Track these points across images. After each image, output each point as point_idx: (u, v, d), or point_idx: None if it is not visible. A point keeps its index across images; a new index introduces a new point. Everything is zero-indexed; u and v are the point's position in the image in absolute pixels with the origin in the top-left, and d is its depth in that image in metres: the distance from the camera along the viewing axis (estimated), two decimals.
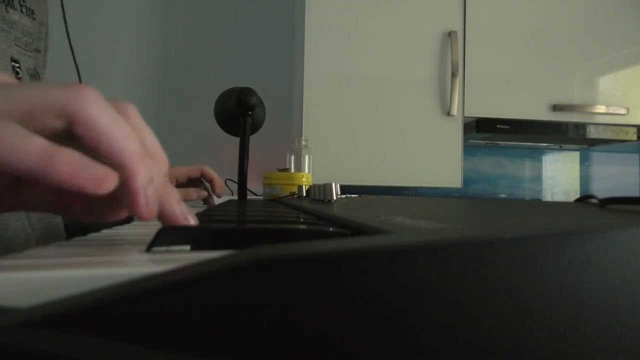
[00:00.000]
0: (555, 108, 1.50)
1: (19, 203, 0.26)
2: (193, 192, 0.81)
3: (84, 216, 0.26)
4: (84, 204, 0.26)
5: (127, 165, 0.21)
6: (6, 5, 0.56)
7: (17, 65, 0.57)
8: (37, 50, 0.62)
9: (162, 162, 0.25)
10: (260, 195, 1.07)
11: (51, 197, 0.25)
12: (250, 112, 0.92)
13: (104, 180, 0.19)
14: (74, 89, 0.21)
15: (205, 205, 0.85)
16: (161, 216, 0.25)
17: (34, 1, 0.61)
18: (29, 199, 0.26)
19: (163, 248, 0.22)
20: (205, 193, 0.82)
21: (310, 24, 1.38)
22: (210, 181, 0.82)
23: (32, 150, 0.19)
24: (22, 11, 0.59)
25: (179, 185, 0.80)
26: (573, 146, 1.84)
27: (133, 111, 0.24)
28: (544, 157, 1.91)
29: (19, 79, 0.57)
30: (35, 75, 0.61)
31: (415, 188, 1.66)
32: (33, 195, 0.25)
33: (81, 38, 0.90)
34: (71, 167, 0.19)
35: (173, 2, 1.69)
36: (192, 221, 0.25)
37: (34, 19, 0.61)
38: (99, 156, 0.21)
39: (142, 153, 0.22)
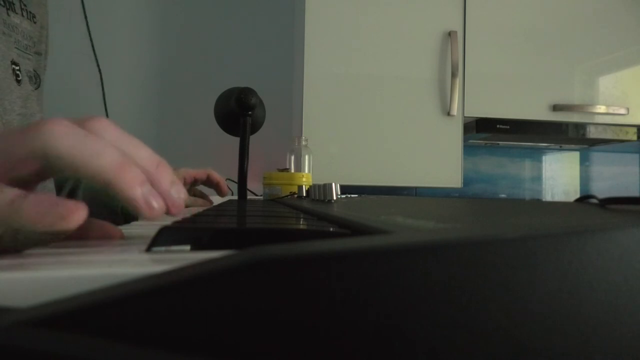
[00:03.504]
0: (555, 108, 1.50)
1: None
2: (200, 202, 0.85)
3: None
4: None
5: (111, 180, 0.22)
6: (7, 9, 0.56)
7: (17, 67, 0.58)
8: (38, 53, 0.63)
9: (147, 159, 0.25)
10: (260, 195, 1.07)
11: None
12: (250, 112, 0.92)
13: (69, 217, 0.20)
14: (35, 131, 0.22)
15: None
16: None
17: (35, 5, 0.62)
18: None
19: (163, 248, 0.23)
20: (210, 204, 0.85)
21: (310, 24, 1.38)
22: (217, 184, 0.85)
23: (0, 204, 0.21)
24: (23, 15, 0.59)
25: (185, 186, 0.82)
26: (573, 146, 1.84)
27: (105, 124, 0.24)
28: (544, 157, 1.91)
29: (18, 81, 0.58)
30: (35, 77, 0.61)
31: (415, 188, 1.66)
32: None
33: (81, 38, 0.90)
34: (37, 211, 0.20)
35: (173, 2, 1.69)
36: (180, 201, 0.25)
37: (34, 22, 0.62)
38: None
39: (121, 161, 0.22)
